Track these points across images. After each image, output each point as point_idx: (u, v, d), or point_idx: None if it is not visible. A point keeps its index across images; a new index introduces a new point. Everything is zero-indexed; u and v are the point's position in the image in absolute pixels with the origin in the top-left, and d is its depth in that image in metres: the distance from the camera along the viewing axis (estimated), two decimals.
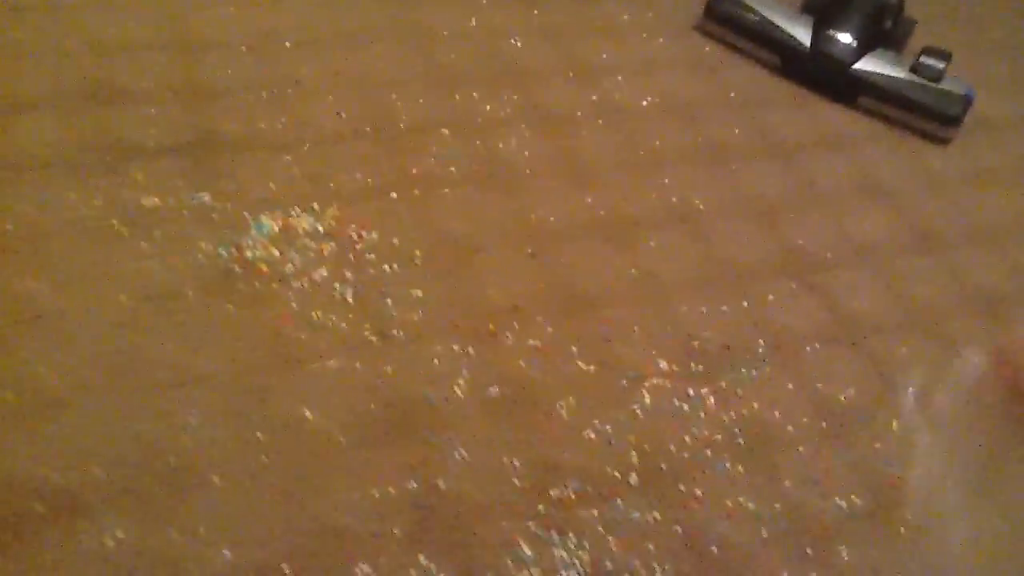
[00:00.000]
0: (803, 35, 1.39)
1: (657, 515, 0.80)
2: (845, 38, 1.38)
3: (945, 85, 1.36)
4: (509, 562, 0.74)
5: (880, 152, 1.34)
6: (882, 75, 1.36)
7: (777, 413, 0.92)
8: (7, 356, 0.78)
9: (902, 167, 1.32)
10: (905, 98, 1.36)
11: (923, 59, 1.36)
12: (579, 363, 0.91)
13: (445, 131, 1.13)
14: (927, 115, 1.36)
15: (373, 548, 0.73)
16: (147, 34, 1.15)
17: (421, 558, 0.73)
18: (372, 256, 0.95)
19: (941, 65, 1.36)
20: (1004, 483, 0.93)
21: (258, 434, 0.78)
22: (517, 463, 0.81)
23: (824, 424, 0.93)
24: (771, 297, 1.05)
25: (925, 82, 1.35)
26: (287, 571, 0.70)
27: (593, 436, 0.85)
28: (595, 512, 0.79)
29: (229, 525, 0.72)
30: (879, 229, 1.20)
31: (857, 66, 1.37)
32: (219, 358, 0.83)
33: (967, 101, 1.36)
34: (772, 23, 1.41)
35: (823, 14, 1.42)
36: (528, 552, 0.75)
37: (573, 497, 0.80)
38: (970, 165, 1.36)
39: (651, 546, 0.78)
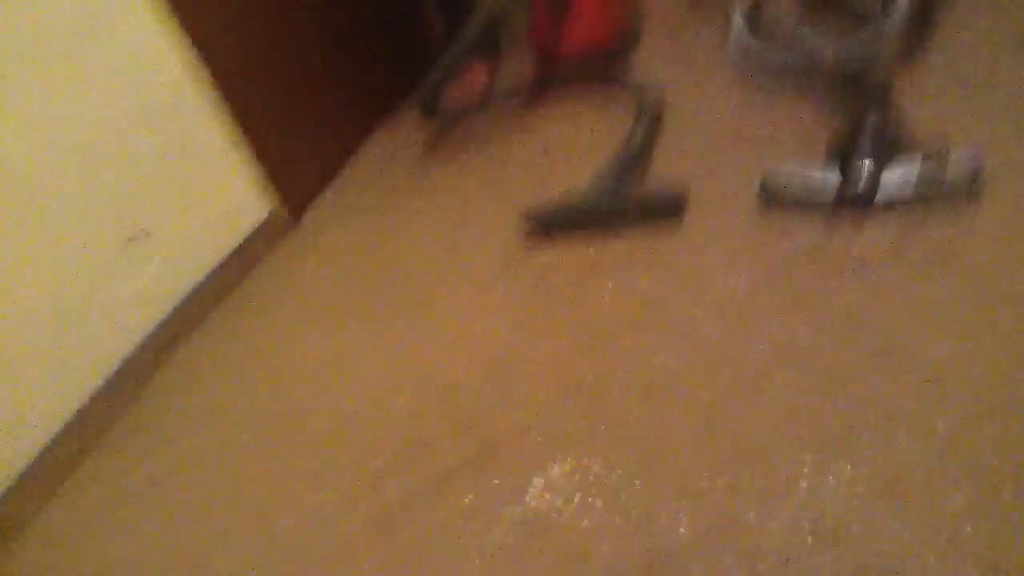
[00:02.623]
0: (835, 178, 1.84)
1: None
2: (867, 165, 1.80)
3: (952, 167, 1.75)
4: None
5: (927, 234, 1.74)
6: (905, 180, 1.78)
7: None
8: None
9: (947, 237, 1.72)
10: (927, 190, 1.77)
11: (927, 155, 1.78)
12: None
13: (623, 379, 1.68)
14: (948, 195, 1.76)
15: None
16: (421, 403, 1.81)
17: None
18: (599, 475, 1.49)
19: (942, 154, 1.76)
20: None
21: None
22: None
23: None
24: None
25: (937, 171, 1.76)
26: None
27: None
28: None
29: None
30: None
31: (885, 181, 1.79)
32: (531, 571, 1.37)
33: (977, 172, 1.74)
34: (809, 183, 1.89)
35: (845, 154, 1.87)
36: None
37: None
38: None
39: None
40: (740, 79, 2.56)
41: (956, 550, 1.19)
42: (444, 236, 2.35)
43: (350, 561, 1.51)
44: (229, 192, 2.44)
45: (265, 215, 2.56)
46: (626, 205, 2.06)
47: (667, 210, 2.04)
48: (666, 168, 2.25)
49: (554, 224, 2.15)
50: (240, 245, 2.46)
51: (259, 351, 2.17)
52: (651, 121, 2.36)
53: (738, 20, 2.59)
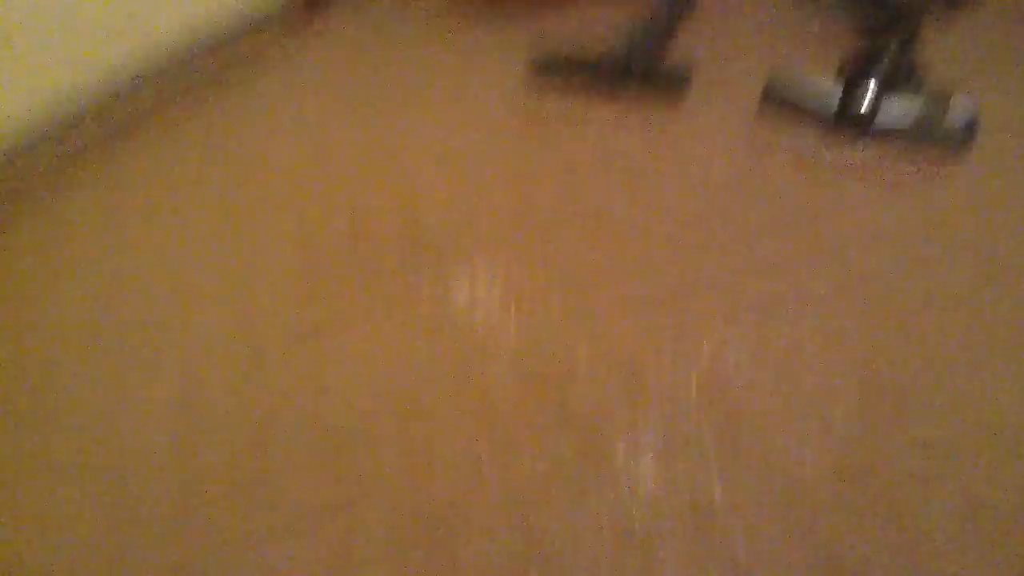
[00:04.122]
0: (835, 98, 1.86)
1: None
2: (867, 95, 1.83)
3: (950, 117, 1.77)
4: None
5: (906, 170, 1.76)
6: (899, 117, 1.80)
7: None
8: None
9: (922, 179, 1.74)
10: (918, 131, 1.78)
11: (929, 100, 1.79)
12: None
13: (576, 222, 1.71)
14: (937, 141, 1.78)
15: None
16: (381, 202, 1.84)
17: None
18: (523, 298, 1.54)
19: (944, 103, 1.78)
20: None
21: (465, 378, 1.36)
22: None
23: None
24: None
25: (933, 117, 1.77)
26: None
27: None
28: None
29: None
30: None
31: (880, 114, 1.81)
32: (434, 365, 1.43)
33: (970, 127, 1.76)
34: (810, 96, 1.89)
35: (852, 78, 1.89)
36: None
37: None
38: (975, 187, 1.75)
39: None
40: None
41: (819, 431, 1.25)
42: (447, 67, 2.35)
43: (273, 320, 1.57)
44: None
45: (280, 4, 2.55)
46: (633, 71, 2.06)
47: (671, 85, 2.04)
48: (683, 48, 2.24)
49: (560, 72, 2.15)
50: (249, 26, 2.45)
51: (239, 121, 2.19)
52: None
53: None
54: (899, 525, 1.12)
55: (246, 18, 2.45)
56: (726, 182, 1.79)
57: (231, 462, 1.27)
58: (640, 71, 2.06)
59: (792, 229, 1.64)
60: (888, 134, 1.82)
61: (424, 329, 1.50)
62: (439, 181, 1.87)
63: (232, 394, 1.39)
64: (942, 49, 2.08)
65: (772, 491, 1.17)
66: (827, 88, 1.90)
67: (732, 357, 1.39)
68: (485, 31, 2.50)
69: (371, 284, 1.61)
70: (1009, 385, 1.31)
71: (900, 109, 1.81)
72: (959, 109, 1.78)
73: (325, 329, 1.52)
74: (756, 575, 1.08)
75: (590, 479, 1.21)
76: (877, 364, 1.35)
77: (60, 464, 1.28)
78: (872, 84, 1.85)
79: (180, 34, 2.25)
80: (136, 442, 1.30)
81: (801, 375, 1.35)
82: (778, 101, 1.95)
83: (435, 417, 1.32)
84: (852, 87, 1.87)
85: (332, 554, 1.14)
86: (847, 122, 1.85)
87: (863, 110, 1.83)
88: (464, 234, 1.71)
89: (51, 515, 1.21)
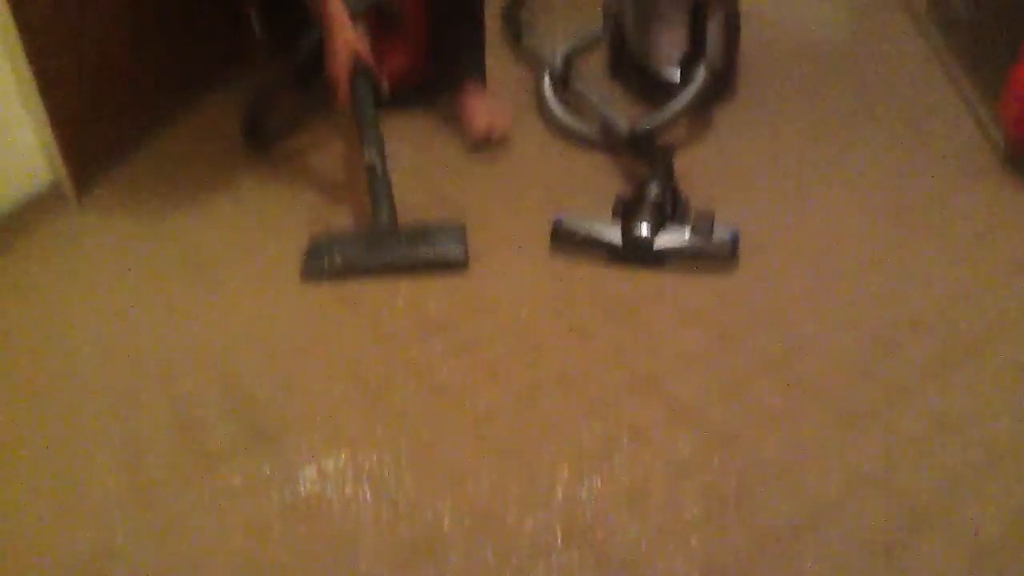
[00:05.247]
0: (616, 236, 2.06)
1: None
2: (643, 230, 2.04)
3: (716, 234, 2.02)
4: None
5: (689, 289, 1.97)
6: (674, 244, 2.03)
7: None
8: None
9: (705, 293, 1.96)
10: (692, 254, 2.02)
11: (696, 223, 2.04)
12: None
13: (406, 385, 1.76)
14: (711, 258, 2.02)
15: None
16: (202, 390, 1.79)
17: None
18: (373, 469, 1.55)
19: (708, 223, 2.03)
20: None
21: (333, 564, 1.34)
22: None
23: None
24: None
25: (702, 238, 2.02)
26: None
27: None
28: None
29: None
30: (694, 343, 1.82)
31: (657, 244, 2.03)
32: (297, 552, 1.40)
33: (735, 240, 2.02)
34: (594, 236, 2.08)
35: (627, 216, 2.09)
36: None
37: None
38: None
39: None
40: (550, 131, 2.71)
41: (683, 555, 1.35)
42: (240, 235, 2.33)
43: (105, 530, 1.47)
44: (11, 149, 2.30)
45: (47, 181, 2.41)
46: (405, 255, 2.13)
47: (446, 255, 2.12)
48: (469, 201, 2.37)
49: (334, 270, 2.13)
50: (11, 211, 2.31)
51: (28, 320, 2.05)
52: None
53: (546, 88, 2.77)
54: None
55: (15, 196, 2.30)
56: (533, 326, 1.91)
57: None
58: (408, 251, 2.14)
59: (611, 362, 1.78)
60: (667, 257, 2.03)
61: (277, 519, 1.47)
62: (257, 362, 1.85)
63: None
64: (697, 173, 2.37)
65: None
66: (607, 226, 2.09)
67: (585, 495, 1.47)
68: (274, 199, 2.50)
69: (204, 476, 1.56)
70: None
71: (672, 234, 2.03)
72: (722, 225, 2.03)
73: (164, 531, 1.44)
74: None
75: None
76: (718, 464, 1.49)
77: None
78: (645, 217, 2.06)
79: None
80: None
81: (652, 497, 1.45)
82: (564, 244, 2.12)
83: None
84: (628, 223, 2.07)
85: None
86: (630, 254, 2.05)
87: (641, 242, 2.03)
88: (295, 415, 1.70)
89: None
